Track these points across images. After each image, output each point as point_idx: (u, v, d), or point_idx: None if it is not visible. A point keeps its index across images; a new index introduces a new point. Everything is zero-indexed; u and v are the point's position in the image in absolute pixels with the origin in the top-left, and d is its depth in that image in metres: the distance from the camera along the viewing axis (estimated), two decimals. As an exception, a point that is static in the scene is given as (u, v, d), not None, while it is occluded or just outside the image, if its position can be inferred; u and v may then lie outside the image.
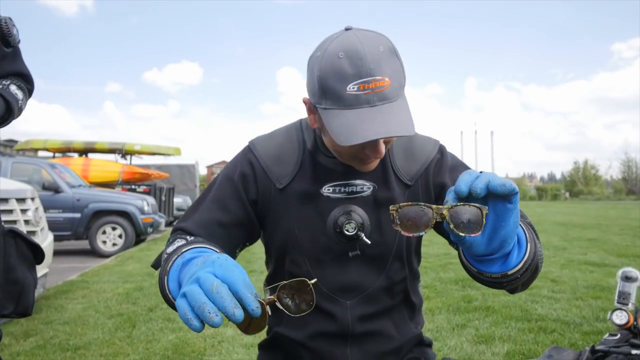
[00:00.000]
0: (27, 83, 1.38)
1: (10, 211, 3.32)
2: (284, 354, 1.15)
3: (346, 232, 0.98)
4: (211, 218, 1.02)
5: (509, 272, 0.76)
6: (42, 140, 12.30)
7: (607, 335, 2.33)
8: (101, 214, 7.88)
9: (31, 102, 1.42)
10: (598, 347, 2.11)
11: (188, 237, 0.96)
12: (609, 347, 2.04)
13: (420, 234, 0.73)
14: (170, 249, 0.91)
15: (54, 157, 12.20)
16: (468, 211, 0.70)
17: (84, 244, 8.11)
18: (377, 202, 1.02)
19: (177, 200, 14.77)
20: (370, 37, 0.89)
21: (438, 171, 1.08)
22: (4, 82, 1.27)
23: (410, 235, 0.74)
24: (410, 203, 0.74)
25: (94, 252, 7.71)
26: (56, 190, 7.70)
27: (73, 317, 3.58)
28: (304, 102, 0.98)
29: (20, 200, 3.52)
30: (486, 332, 2.93)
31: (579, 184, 46.76)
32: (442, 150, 1.11)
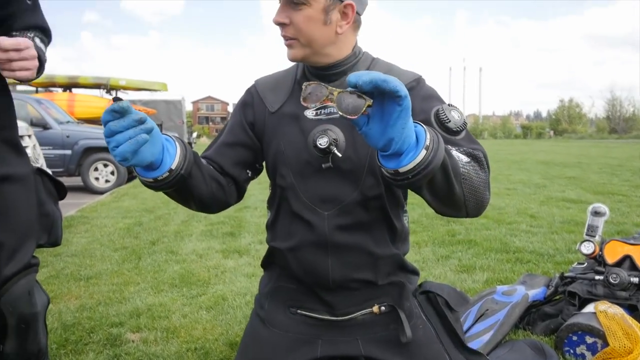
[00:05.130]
0: (46, 37, 1.40)
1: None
2: (279, 268, 1.33)
3: (319, 146, 1.13)
4: (222, 141, 1.28)
5: (400, 170, 0.85)
6: (24, 74, 11.96)
7: (575, 264, 2.59)
8: (92, 151, 7.88)
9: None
10: (567, 274, 2.35)
11: None
12: (576, 274, 2.29)
13: (318, 105, 0.86)
14: None
15: (37, 92, 11.94)
16: (353, 98, 0.80)
17: (76, 180, 8.21)
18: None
19: (165, 137, 14.67)
20: None
21: (411, 98, 1.18)
22: (28, 34, 1.28)
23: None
24: (317, 83, 0.86)
25: (87, 189, 7.83)
26: (44, 126, 7.64)
27: (80, 250, 3.77)
28: (351, 7, 1.15)
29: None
30: (468, 263, 3.20)
31: (563, 123, 47.11)
32: (419, 80, 1.20)
